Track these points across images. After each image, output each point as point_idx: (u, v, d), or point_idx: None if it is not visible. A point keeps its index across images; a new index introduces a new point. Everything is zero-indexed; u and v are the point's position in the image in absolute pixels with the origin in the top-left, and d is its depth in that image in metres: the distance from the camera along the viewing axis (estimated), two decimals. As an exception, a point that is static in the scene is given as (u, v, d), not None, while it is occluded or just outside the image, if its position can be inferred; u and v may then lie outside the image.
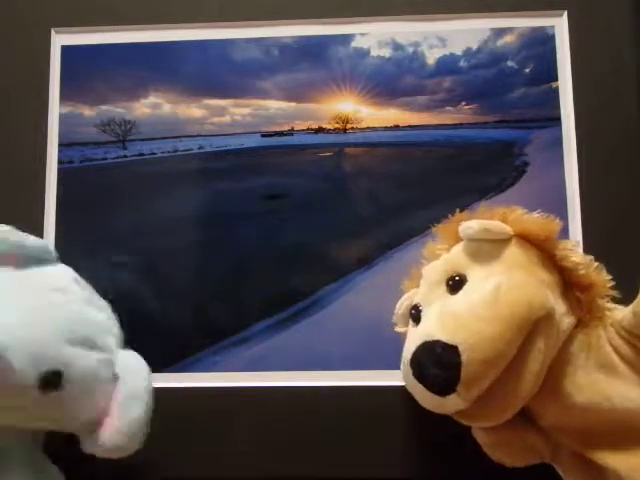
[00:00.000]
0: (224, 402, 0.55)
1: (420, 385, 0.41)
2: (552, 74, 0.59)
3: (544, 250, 0.43)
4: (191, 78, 0.61)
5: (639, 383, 0.41)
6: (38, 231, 0.58)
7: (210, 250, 0.58)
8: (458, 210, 0.48)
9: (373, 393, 0.54)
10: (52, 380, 0.43)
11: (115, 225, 0.59)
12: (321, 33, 0.60)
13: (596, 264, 0.43)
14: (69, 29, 0.61)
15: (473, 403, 0.40)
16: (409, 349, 0.42)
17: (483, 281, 0.41)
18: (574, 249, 0.43)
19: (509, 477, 0.46)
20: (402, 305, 0.48)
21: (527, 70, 0.59)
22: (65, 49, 0.61)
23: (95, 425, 0.46)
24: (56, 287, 0.47)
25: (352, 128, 0.60)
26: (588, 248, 0.55)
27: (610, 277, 0.43)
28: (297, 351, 0.56)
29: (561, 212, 0.56)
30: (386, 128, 0.60)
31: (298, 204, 0.59)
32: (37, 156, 0.59)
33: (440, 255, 0.47)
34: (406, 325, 0.48)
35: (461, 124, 0.60)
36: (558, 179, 0.57)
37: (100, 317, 0.48)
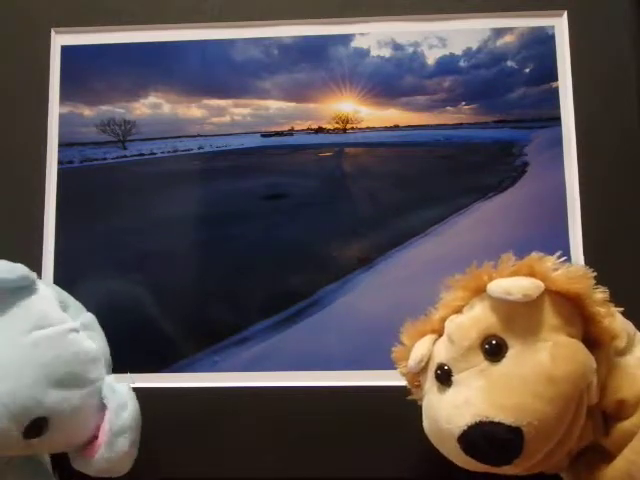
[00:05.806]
0: (224, 402, 0.55)
1: (472, 459, 0.40)
2: (552, 74, 0.59)
3: (574, 305, 0.41)
4: (191, 78, 0.61)
5: None
6: (38, 231, 0.58)
7: (210, 250, 0.58)
8: (474, 263, 0.43)
9: (373, 393, 0.54)
10: (35, 428, 0.42)
11: (115, 225, 0.59)
12: (321, 33, 0.60)
13: (614, 310, 0.42)
14: (69, 29, 0.61)
15: None
16: (449, 419, 0.40)
17: (530, 349, 0.40)
18: (606, 306, 0.41)
19: (510, 477, 0.46)
20: (419, 355, 0.44)
21: (527, 70, 0.59)
22: (65, 49, 0.61)
23: (83, 448, 0.46)
24: (37, 323, 0.44)
25: (352, 128, 0.60)
26: (588, 249, 0.55)
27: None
28: (297, 351, 0.56)
29: (561, 212, 0.56)
30: (386, 128, 0.60)
31: (298, 204, 0.59)
32: (37, 156, 0.59)
33: (457, 307, 0.44)
34: (419, 375, 0.46)
35: (461, 124, 0.60)
36: (558, 179, 0.57)
37: (87, 345, 0.46)
